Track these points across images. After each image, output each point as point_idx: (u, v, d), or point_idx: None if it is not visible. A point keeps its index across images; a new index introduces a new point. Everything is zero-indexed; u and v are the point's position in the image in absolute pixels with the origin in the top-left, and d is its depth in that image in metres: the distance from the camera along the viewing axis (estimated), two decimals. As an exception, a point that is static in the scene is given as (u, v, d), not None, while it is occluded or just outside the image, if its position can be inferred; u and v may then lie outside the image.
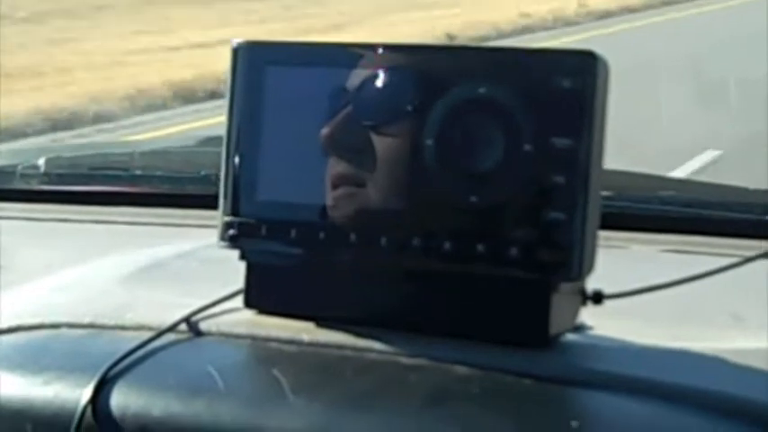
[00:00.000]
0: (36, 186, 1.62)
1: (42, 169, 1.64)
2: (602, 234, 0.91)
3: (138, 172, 1.64)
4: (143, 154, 1.79)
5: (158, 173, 1.63)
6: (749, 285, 1.05)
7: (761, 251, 1.00)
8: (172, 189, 1.57)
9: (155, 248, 1.23)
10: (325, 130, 0.92)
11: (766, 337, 0.94)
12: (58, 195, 1.58)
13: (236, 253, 0.97)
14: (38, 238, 1.42)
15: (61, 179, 1.63)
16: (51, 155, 1.70)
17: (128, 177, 1.63)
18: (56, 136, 8.02)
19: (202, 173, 1.51)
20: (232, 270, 0.97)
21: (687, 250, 1.26)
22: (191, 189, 1.52)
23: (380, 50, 0.92)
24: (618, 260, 1.19)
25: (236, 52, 0.96)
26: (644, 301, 0.95)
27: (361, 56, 0.92)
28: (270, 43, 0.97)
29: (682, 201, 1.42)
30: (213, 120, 7.58)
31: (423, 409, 0.81)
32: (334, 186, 0.92)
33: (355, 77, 0.92)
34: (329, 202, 0.92)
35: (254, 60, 0.95)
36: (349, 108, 0.91)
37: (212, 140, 1.65)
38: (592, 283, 0.92)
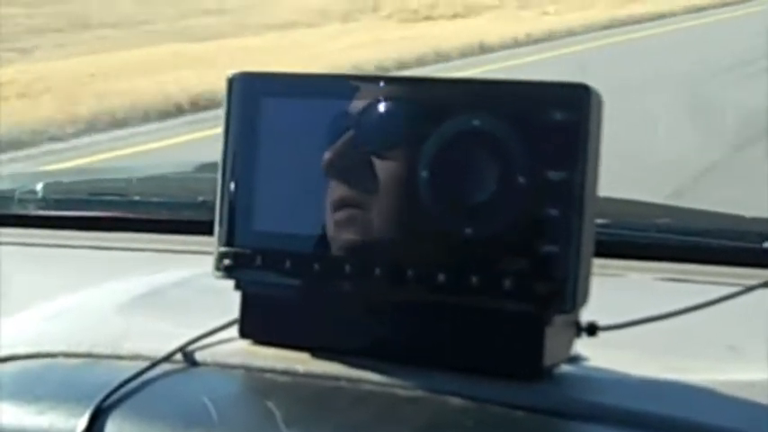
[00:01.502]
0: (33, 212, 1.62)
1: (40, 194, 1.64)
2: (598, 262, 0.91)
3: (136, 198, 1.64)
4: (141, 180, 1.80)
5: (156, 199, 1.63)
6: (746, 316, 1.05)
7: (759, 280, 1.00)
8: (169, 215, 1.56)
9: (152, 276, 1.23)
10: (326, 155, 0.92)
11: (763, 369, 0.94)
12: (56, 221, 1.58)
13: (232, 282, 0.97)
14: (35, 263, 1.42)
15: (59, 204, 1.63)
16: (49, 180, 1.70)
17: (125, 203, 1.63)
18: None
19: (200, 199, 1.51)
20: (229, 299, 0.98)
21: (684, 278, 1.26)
22: (188, 215, 1.52)
23: (376, 82, 0.93)
24: (614, 288, 1.19)
25: (231, 83, 0.97)
26: (640, 331, 0.95)
27: (358, 87, 0.93)
28: (265, 74, 0.97)
29: (678, 228, 1.42)
30: None
31: None
32: (336, 210, 0.92)
33: (353, 107, 0.92)
34: (330, 226, 0.92)
35: (250, 91, 0.96)
36: (346, 136, 0.92)
37: (210, 166, 1.64)
38: (587, 311, 0.92)
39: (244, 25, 15.51)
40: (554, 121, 0.86)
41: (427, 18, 16.30)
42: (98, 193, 1.68)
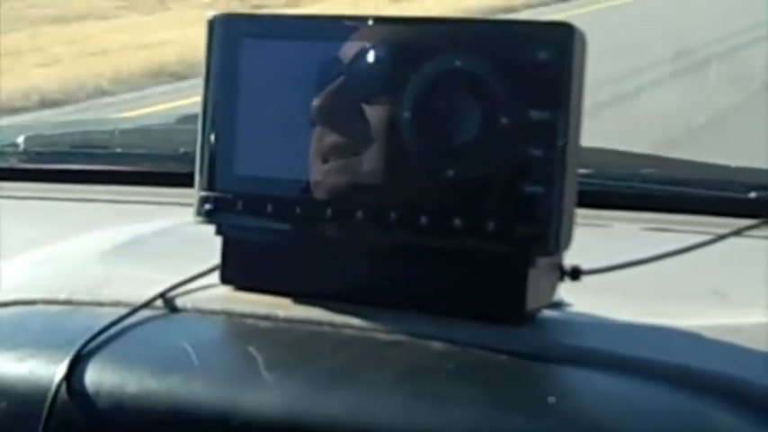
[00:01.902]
0: (15, 164, 1.61)
1: (21, 147, 1.63)
2: (584, 212, 0.91)
3: (118, 150, 1.63)
4: (123, 132, 1.78)
5: (138, 151, 1.63)
6: (730, 263, 1.05)
7: (734, 228, 0.99)
8: (152, 167, 1.56)
9: (133, 225, 1.23)
10: (314, 102, 0.91)
11: (748, 313, 0.94)
12: (38, 173, 1.57)
13: (214, 230, 0.96)
14: (17, 216, 1.41)
15: (41, 157, 1.62)
16: (30, 133, 1.69)
17: (108, 155, 1.62)
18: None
19: (182, 151, 1.50)
20: (210, 247, 0.97)
21: (669, 228, 1.26)
22: (171, 167, 1.51)
23: (359, 23, 0.91)
24: (599, 238, 1.19)
25: (211, 25, 0.95)
26: (624, 278, 0.94)
27: (342, 29, 0.91)
28: (245, 15, 0.96)
29: (663, 179, 1.41)
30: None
31: (397, 384, 0.81)
32: (323, 156, 0.91)
33: (337, 49, 0.91)
34: (315, 171, 0.91)
35: (230, 33, 0.95)
36: (336, 81, 0.91)
37: (192, 118, 1.64)
38: (573, 261, 0.92)
39: (19, 18, 12.94)
40: (537, 60, 0.85)
41: (258, 6, 14.13)
42: (80, 145, 1.67)
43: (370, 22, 0.91)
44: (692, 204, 1.33)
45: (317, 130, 0.91)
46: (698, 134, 6.28)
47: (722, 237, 0.97)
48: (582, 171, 0.90)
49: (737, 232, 1.00)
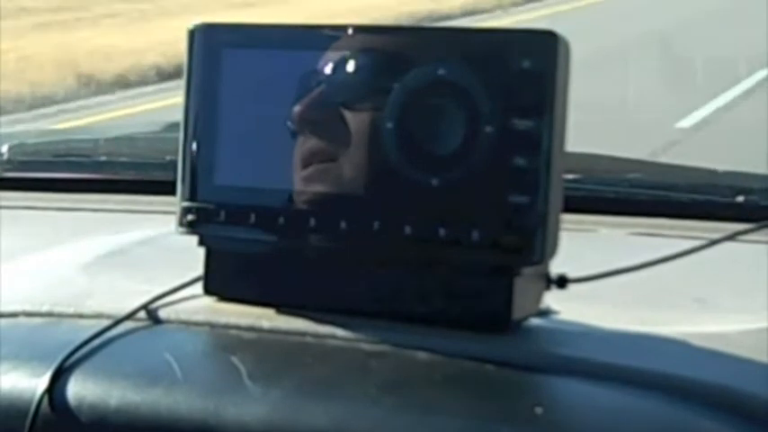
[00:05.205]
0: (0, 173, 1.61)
1: (6, 156, 1.62)
2: (569, 217, 0.90)
3: (103, 158, 1.62)
4: (108, 140, 1.78)
5: (123, 159, 1.62)
6: (715, 269, 1.05)
7: (726, 234, 0.99)
8: (137, 175, 1.55)
9: (117, 235, 1.22)
10: (295, 109, 0.90)
11: (731, 320, 0.94)
12: (23, 182, 1.57)
13: (197, 240, 0.96)
14: (1, 225, 1.40)
15: (25, 166, 1.62)
16: (15, 141, 1.68)
17: (92, 164, 1.61)
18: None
19: (168, 158, 1.49)
20: (195, 257, 0.96)
21: (656, 233, 1.26)
22: (156, 175, 1.50)
23: (340, 32, 0.91)
24: (586, 244, 1.19)
25: (192, 34, 0.95)
26: (610, 285, 0.94)
27: (322, 38, 0.91)
28: (226, 25, 0.95)
29: (650, 183, 1.41)
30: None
31: (381, 396, 0.80)
32: (304, 164, 0.91)
33: (318, 58, 0.90)
34: (297, 180, 0.91)
35: (211, 42, 0.94)
36: (316, 90, 0.90)
37: (177, 126, 1.63)
38: (559, 267, 0.91)
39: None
40: (521, 69, 0.85)
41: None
42: (65, 154, 1.66)
43: (351, 32, 0.91)
44: (678, 209, 1.33)
45: (300, 140, 0.91)
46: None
47: (715, 241, 0.97)
48: (568, 176, 0.89)
49: (732, 237, 0.99)
